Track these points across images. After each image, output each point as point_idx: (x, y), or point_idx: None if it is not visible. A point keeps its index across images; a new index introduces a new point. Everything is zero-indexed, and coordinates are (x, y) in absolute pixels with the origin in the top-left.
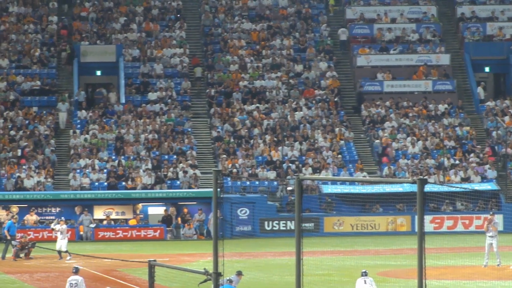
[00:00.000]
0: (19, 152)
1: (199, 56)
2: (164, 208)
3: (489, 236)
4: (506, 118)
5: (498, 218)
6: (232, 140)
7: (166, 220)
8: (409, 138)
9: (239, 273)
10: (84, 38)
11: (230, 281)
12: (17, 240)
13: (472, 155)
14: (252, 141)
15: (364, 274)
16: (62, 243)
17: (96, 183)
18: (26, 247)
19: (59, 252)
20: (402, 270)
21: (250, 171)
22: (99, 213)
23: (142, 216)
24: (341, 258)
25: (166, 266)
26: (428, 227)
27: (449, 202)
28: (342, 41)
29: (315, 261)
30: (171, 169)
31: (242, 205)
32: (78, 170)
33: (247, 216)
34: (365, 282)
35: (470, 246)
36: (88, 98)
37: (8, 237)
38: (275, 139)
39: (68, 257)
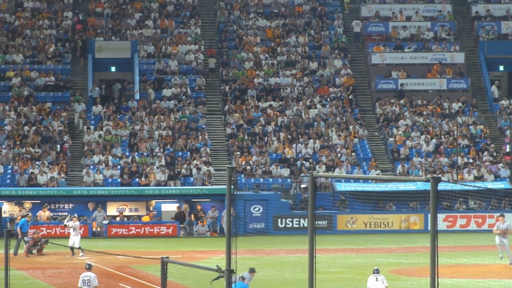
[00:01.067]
0: (29, 148)
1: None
2: (178, 205)
3: (498, 236)
4: None
5: (511, 217)
6: (246, 137)
7: (179, 217)
8: (423, 136)
9: (252, 270)
10: (99, 34)
11: (243, 278)
12: (30, 236)
13: (485, 153)
14: (266, 138)
15: (376, 271)
16: (75, 240)
17: (110, 180)
18: (39, 243)
19: (72, 248)
20: (414, 268)
21: (263, 169)
22: (112, 209)
23: (155, 212)
24: (354, 256)
25: (178, 263)
26: (441, 225)
27: (462, 201)
28: (355, 33)
29: (328, 259)
30: (185, 165)
31: (255, 202)
32: (92, 166)
33: (260, 214)
34: (376, 280)
35: (483, 245)
36: (102, 94)
37: (20, 235)
38: (289, 136)
39: (81, 254)
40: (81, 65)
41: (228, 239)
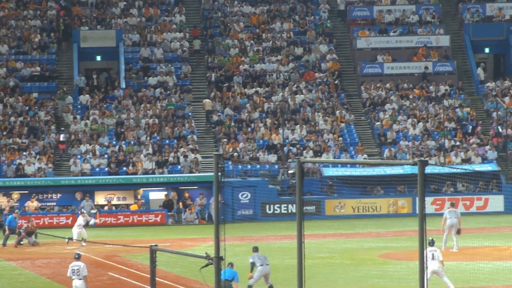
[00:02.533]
0: (16, 139)
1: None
2: (165, 193)
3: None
4: (506, 99)
5: (499, 199)
6: (232, 124)
7: (167, 205)
8: (409, 120)
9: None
10: (83, 23)
11: (232, 265)
12: (23, 228)
13: (473, 136)
14: (252, 124)
15: (432, 243)
16: (81, 232)
17: (97, 169)
18: (33, 233)
19: (70, 238)
20: (403, 252)
21: (251, 155)
22: (100, 198)
23: (143, 201)
24: (342, 241)
25: (167, 251)
26: (429, 208)
27: (450, 184)
28: (339, 11)
29: (317, 244)
30: (172, 153)
31: (243, 189)
32: (79, 156)
33: (248, 200)
34: (433, 257)
35: (471, 227)
36: (94, 84)
37: (7, 231)
38: (276, 122)
39: (84, 243)
40: (64, 50)
41: (216, 226)
